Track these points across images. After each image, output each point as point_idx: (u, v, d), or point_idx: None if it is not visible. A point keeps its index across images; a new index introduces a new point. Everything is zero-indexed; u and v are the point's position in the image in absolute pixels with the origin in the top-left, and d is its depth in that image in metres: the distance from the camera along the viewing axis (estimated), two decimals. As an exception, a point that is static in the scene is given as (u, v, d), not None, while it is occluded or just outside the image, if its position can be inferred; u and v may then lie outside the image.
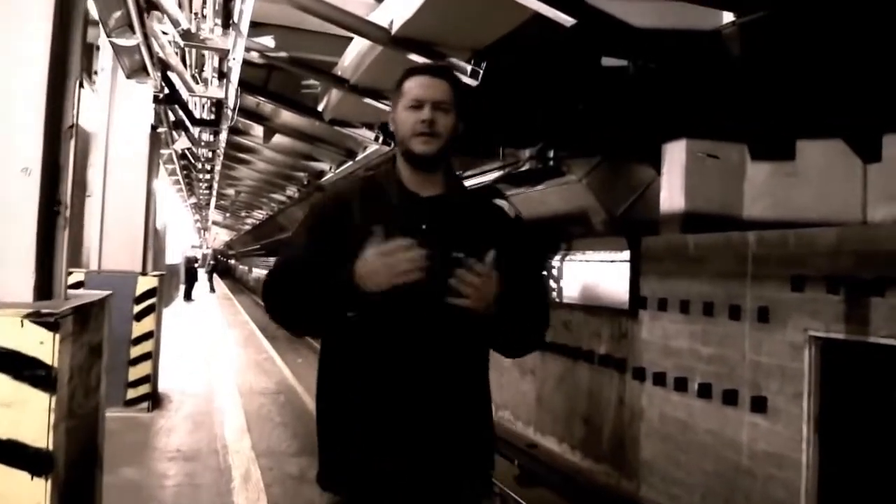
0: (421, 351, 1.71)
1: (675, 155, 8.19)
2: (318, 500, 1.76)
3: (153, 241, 7.52)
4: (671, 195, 8.23)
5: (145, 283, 6.20)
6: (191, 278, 25.12)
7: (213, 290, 32.35)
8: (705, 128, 7.78)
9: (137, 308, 6.15)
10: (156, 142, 6.81)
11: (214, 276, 37.08)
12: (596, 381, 9.09)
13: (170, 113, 8.18)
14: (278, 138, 9.78)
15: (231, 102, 6.60)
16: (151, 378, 6.22)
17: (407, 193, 1.80)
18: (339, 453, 1.75)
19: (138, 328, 6.15)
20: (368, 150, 8.76)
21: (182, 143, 8.55)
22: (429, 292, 1.64)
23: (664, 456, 7.38)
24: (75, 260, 6.33)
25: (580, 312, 9.59)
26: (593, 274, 10.86)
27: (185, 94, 6.71)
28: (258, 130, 9.91)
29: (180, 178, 14.20)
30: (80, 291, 3.51)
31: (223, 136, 8.65)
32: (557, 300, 12.09)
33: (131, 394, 6.13)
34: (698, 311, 6.98)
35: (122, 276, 6.15)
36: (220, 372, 8.48)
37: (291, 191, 14.54)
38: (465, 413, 1.77)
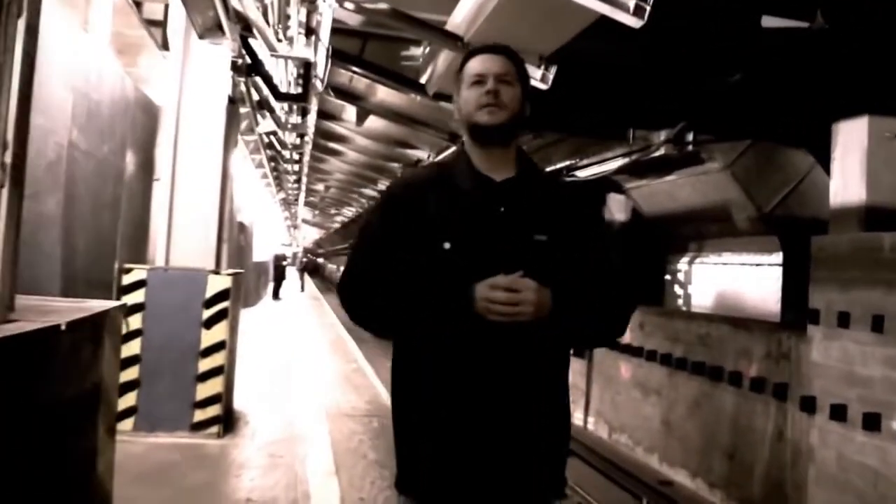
0: (496, 353, 1.66)
1: (852, 136, 6.59)
2: (396, 502, 1.73)
3: (233, 234, 6.54)
4: (846, 185, 6.61)
5: (217, 284, 5.17)
6: (279, 277, 24.67)
7: (303, 289, 32.06)
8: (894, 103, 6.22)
9: (207, 313, 5.12)
10: (234, 117, 5.80)
11: (305, 274, 36.98)
12: (744, 409, 7.57)
13: (252, 91, 7.19)
14: (372, 121, 8.70)
15: (321, 68, 5.50)
16: (223, 397, 5.18)
17: (480, 178, 1.76)
18: (415, 458, 1.71)
19: (208, 337, 5.12)
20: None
21: (267, 125, 7.58)
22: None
23: (843, 509, 5.85)
24: (139, 255, 5.37)
25: (724, 326, 8.06)
26: (735, 279, 9.32)
27: (267, 60, 5.65)
28: (350, 114, 8.87)
29: (268, 170, 13.43)
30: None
31: (311, 117, 7.62)
32: (684, 308, 10.57)
33: (199, 416, 5.11)
34: (900, 331, 5.42)
35: (190, 274, 5.14)
36: (304, 386, 7.45)
37: (384, 184, 13.51)
38: (539, 419, 1.71)
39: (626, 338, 10.45)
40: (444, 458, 1.66)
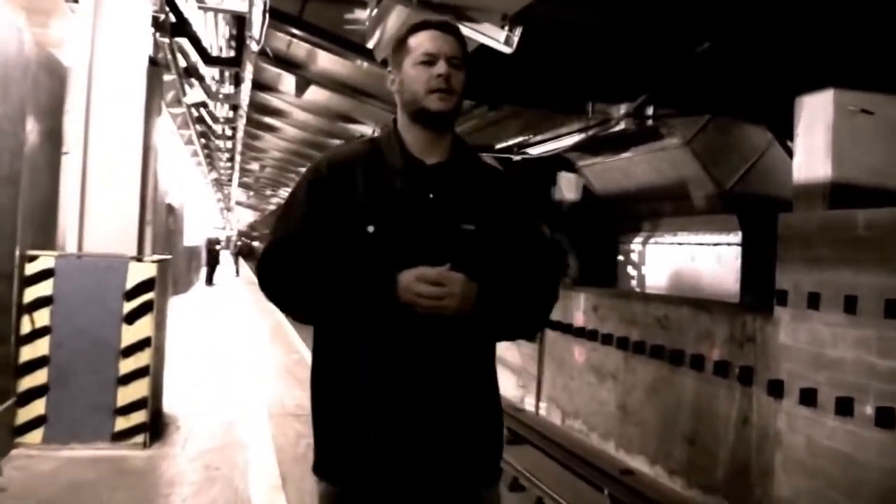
0: (421, 338, 1.61)
1: (816, 110, 6.33)
2: (315, 488, 1.69)
3: (160, 216, 5.84)
4: (810, 162, 6.36)
5: (140, 272, 4.50)
6: (213, 261, 23.58)
7: (238, 273, 30.92)
8: (860, 76, 6.00)
9: (129, 306, 4.45)
10: (156, 81, 5.08)
11: (239, 258, 35.77)
12: (706, 393, 7.34)
13: (178, 57, 6.45)
14: (313, 93, 8.03)
15: (256, 27, 4.85)
16: (150, 401, 4.52)
17: (411, 160, 1.71)
18: (335, 444, 1.66)
19: (130, 333, 4.46)
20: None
21: (196, 95, 6.83)
22: (438, 266, 1.57)
23: (812, 495, 5.66)
24: (47, 240, 4.64)
25: (683, 308, 7.78)
26: (692, 259, 9.08)
27: (194, 17, 4.96)
28: (288, 84, 8.17)
29: (198, 147, 12.54)
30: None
31: (246, 86, 6.92)
32: (638, 289, 10.32)
33: (121, 424, 4.45)
34: (873, 312, 5.19)
35: (107, 262, 4.46)
36: (242, 381, 6.82)
37: (323, 163, 12.76)
38: (466, 403, 1.68)
39: (580, 320, 10.16)
40: (371, 445, 1.62)
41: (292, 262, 1.65)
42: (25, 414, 4.30)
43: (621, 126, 7.55)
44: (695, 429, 7.51)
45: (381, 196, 1.66)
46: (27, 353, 4.29)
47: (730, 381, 6.91)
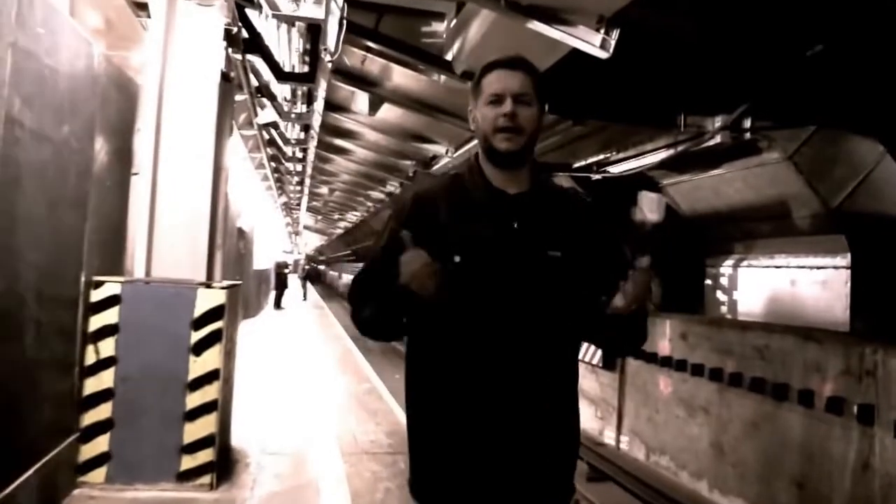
0: (513, 356, 1.67)
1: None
2: None
3: (231, 239, 5.58)
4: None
5: (209, 299, 4.20)
6: (281, 285, 23.65)
7: (305, 297, 31.05)
8: None
9: (197, 335, 4.15)
10: (228, 98, 4.83)
11: (307, 282, 35.99)
12: (818, 432, 6.63)
13: (251, 77, 6.25)
14: (386, 112, 7.74)
15: (331, 38, 4.54)
16: (217, 439, 4.19)
17: (494, 192, 1.77)
18: (431, 467, 1.72)
19: (198, 365, 4.15)
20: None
21: (267, 115, 6.60)
22: (525, 293, 1.67)
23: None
24: (114, 264, 4.40)
25: (787, 336, 7.08)
26: (791, 284, 8.35)
27: (266, 32, 4.70)
28: (360, 103, 7.91)
29: (269, 171, 12.48)
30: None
31: (319, 104, 6.66)
32: (729, 315, 9.60)
33: (187, 463, 4.12)
34: None
35: (175, 288, 4.17)
36: (313, 412, 6.48)
37: (393, 186, 12.51)
38: (552, 426, 1.73)
39: (666, 349, 9.51)
40: (459, 466, 1.67)
41: (367, 293, 1.74)
42: (89, 451, 4.02)
43: (716, 140, 6.97)
44: (804, 471, 6.79)
45: (466, 227, 1.70)
46: (91, 385, 4.03)
47: (845, 420, 6.21)
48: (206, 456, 4.15)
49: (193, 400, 4.13)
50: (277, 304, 22.93)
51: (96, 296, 4.05)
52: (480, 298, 1.65)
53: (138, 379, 4.07)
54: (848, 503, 6.14)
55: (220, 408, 4.24)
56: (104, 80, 4.19)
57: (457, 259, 1.67)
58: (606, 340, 1.87)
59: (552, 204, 1.79)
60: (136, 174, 4.50)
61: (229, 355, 4.54)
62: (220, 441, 4.33)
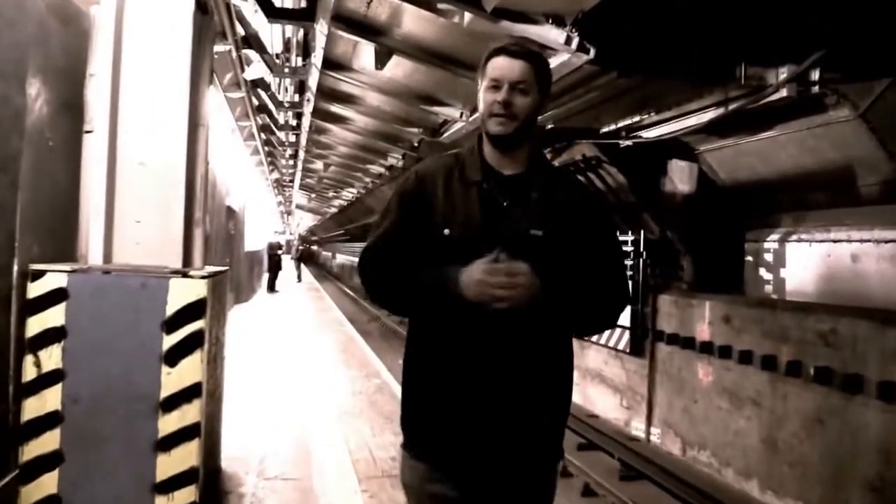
0: (497, 331, 1.76)
1: None
2: (404, 463, 1.87)
3: (219, 218, 4.60)
4: None
5: (185, 292, 3.21)
6: (274, 267, 22.61)
7: (300, 279, 30.05)
8: None
9: (169, 340, 3.16)
10: (205, 36, 3.80)
11: (301, 263, 34.91)
12: (898, 430, 5.71)
13: (236, 24, 5.21)
14: (393, 68, 6.70)
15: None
16: (201, 471, 3.22)
17: (489, 171, 1.87)
18: (425, 426, 1.84)
19: (173, 379, 3.16)
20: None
21: (256, 70, 5.56)
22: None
23: None
24: (62, 247, 3.41)
25: (860, 321, 6.16)
26: (853, 260, 7.43)
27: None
28: (365, 58, 6.87)
29: (259, 144, 11.40)
30: None
31: (317, 55, 5.61)
32: (774, 295, 8.68)
33: (162, 505, 3.15)
34: None
35: (140, 278, 3.18)
36: (318, 420, 5.53)
37: (395, 158, 11.45)
38: (541, 390, 1.83)
39: (705, 333, 8.61)
40: (456, 428, 1.78)
41: (382, 267, 1.86)
42: (31, 494, 3.05)
43: (781, 94, 5.98)
44: (881, 473, 5.92)
45: (460, 203, 1.83)
46: (32, 408, 3.05)
47: (940, 419, 5.31)
48: (187, 495, 3.18)
49: (168, 424, 3.15)
50: (271, 287, 21.94)
51: (34, 290, 3.05)
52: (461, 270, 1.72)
53: (94, 398, 3.09)
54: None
55: (205, 432, 3.27)
56: (41, 7, 3.17)
57: (446, 232, 1.79)
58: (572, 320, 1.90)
59: (546, 186, 1.85)
60: (89, 132, 3.49)
61: (215, 362, 3.56)
62: (206, 472, 3.37)
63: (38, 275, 3.08)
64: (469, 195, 1.81)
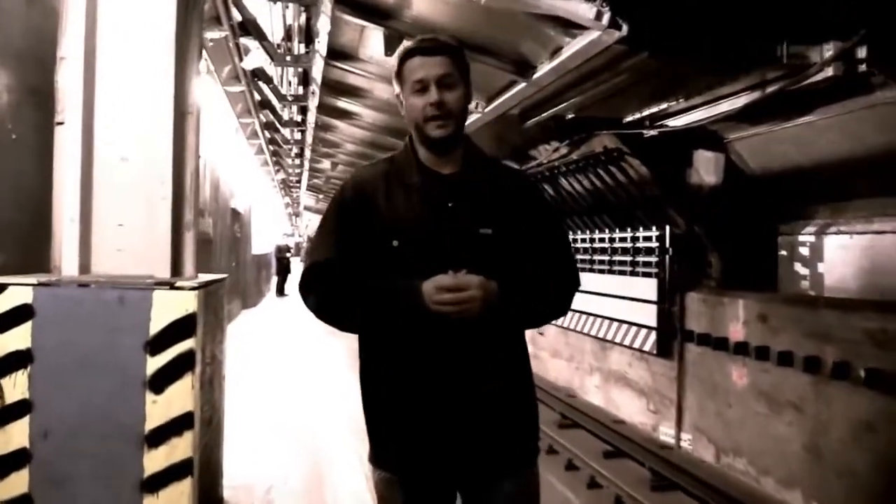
0: (453, 336, 1.72)
1: None
2: (372, 476, 1.82)
3: (225, 220, 4.18)
4: None
5: (172, 306, 2.76)
6: (283, 271, 22.19)
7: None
8: None
9: (154, 363, 2.71)
10: (193, 7, 3.35)
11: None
12: (969, 440, 5.18)
13: (232, 10, 4.76)
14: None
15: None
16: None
17: (428, 172, 1.81)
18: (387, 437, 1.79)
19: (159, 408, 2.71)
20: (571, 49, 5.06)
21: (255, 58, 5.11)
22: (458, 271, 1.69)
23: None
24: (30, 255, 2.97)
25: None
26: (903, 253, 6.92)
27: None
28: (371, 46, 6.42)
29: (264, 143, 10.96)
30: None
31: (322, 40, 5.16)
32: (811, 292, 8.18)
33: (148, 559, 2.69)
34: None
35: (119, 291, 2.73)
36: (328, 432, 5.08)
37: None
38: (501, 392, 1.78)
39: (739, 334, 8.12)
40: (418, 436, 1.73)
41: (328, 285, 1.77)
42: (-5, 545, 2.62)
43: (826, 73, 5.48)
44: (944, 486, 5.42)
45: (403, 210, 1.76)
46: (-4, 445, 2.61)
47: None
48: (176, 547, 2.73)
49: (155, 461, 2.70)
50: (280, 291, 21.53)
51: (-4, 304, 2.61)
52: (420, 279, 1.67)
53: (67, 432, 2.64)
54: None
55: (202, 464, 2.82)
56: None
57: (395, 243, 1.74)
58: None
59: (486, 181, 1.82)
60: (60, 123, 3.05)
61: (211, 385, 3.10)
62: (201, 514, 2.92)
63: (0, 288, 2.63)
64: (411, 200, 1.77)
